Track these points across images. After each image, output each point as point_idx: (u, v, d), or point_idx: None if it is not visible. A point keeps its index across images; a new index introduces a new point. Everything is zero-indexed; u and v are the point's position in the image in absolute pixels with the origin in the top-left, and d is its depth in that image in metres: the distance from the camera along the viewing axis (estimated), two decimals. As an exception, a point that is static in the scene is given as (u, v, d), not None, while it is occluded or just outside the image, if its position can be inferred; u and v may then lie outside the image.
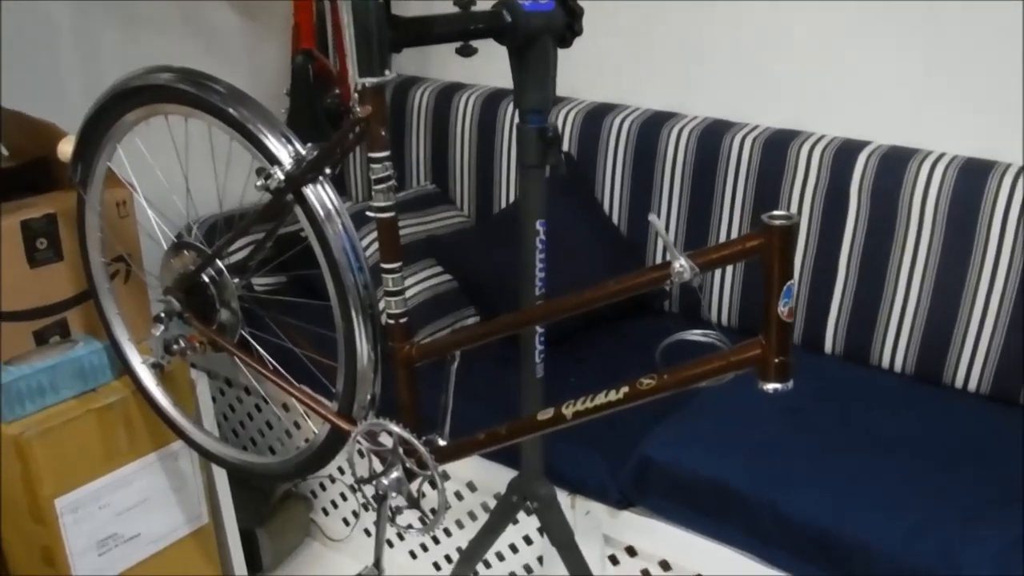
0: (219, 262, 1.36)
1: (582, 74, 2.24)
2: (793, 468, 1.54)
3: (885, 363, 1.89)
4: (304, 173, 1.18)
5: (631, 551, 1.68)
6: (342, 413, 1.30)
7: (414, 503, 1.27)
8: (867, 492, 1.48)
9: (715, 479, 1.54)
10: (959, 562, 1.35)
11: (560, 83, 1.27)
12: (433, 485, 1.22)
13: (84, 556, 1.61)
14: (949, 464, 1.55)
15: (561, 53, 1.25)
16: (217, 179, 1.36)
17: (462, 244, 2.18)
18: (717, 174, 2.01)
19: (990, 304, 1.75)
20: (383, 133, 1.14)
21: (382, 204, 1.16)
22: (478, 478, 1.84)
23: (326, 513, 2.20)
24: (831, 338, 1.94)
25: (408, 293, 2.06)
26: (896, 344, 1.87)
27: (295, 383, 1.35)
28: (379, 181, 1.15)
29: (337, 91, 2.17)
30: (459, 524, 1.94)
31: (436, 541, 2.00)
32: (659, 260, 2.13)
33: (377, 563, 1.30)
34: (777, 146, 1.94)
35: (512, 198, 2.31)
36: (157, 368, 1.51)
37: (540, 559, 1.81)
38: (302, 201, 1.21)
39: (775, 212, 0.88)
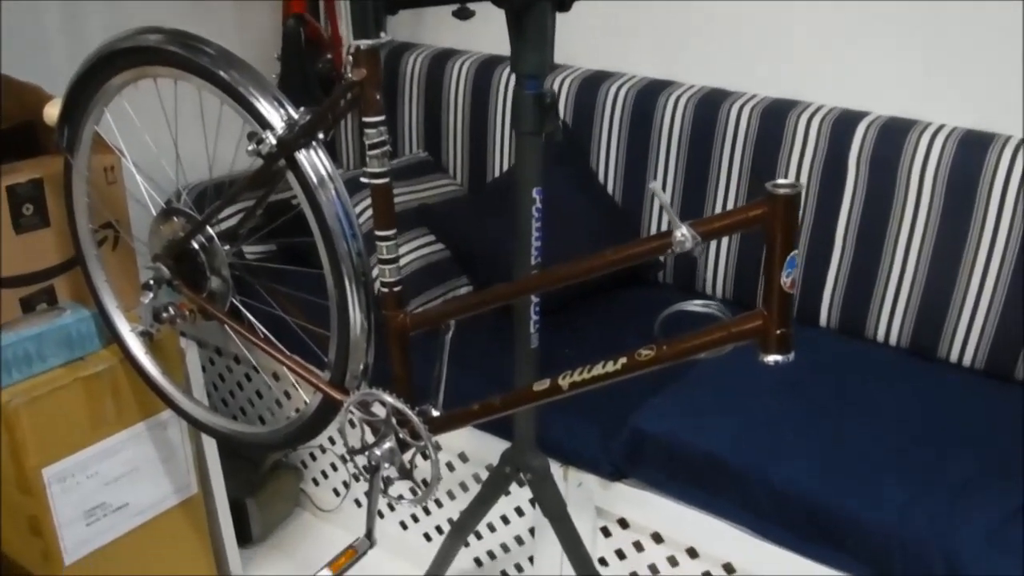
0: (209, 229, 1.33)
1: (578, 41, 2.21)
2: (786, 441, 1.54)
3: (880, 337, 1.88)
4: (297, 138, 1.15)
5: (623, 523, 1.68)
6: (334, 383, 1.28)
7: (406, 474, 1.25)
8: (861, 465, 1.48)
9: (708, 451, 1.53)
10: (952, 535, 1.35)
11: (555, 50, 1.24)
12: (426, 456, 1.21)
13: (72, 526, 1.60)
14: (943, 438, 1.54)
15: (557, 19, 1.22)
16: (207, 144, 1.33)
17: (455, 213, 2.15)
18: (714, 143, 1.99)
19: (987, 278, 1.73)
20: (378, 97, 1.11)
21: (377, 170, 1.14)
22: (470, 449, 1.83)
23: (316, 483, 2.19)
24: (826, 311, 1.93)
25: (400, 262, 2.05)
26: (892, 317, 1.86)
27: (286, 352, 1.33)
28: (373, 146, 1.12)
29: (329, 56, 2.14)
30: (451, 495, 1.93)
31: (427, 512, 1.99)
32: (655, 230, 2.11)
33: (369, 534, 1.29)
34: (775, 116, 1.92)
35: (506, 166, 2.28)
36: (146, 336, 1.48)
37: (532, 531, 1.81)
38: (294, 167, 1.18)
39: (779, 180, 0.86)
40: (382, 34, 1.10)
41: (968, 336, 1.77)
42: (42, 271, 1.59)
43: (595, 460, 1.64)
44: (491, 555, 1.92)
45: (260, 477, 2.07)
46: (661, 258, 2.12)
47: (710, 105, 2.00)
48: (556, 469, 1.66)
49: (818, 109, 1.90)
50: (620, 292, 2.06)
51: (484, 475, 1.81)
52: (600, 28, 2.20)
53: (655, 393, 1.65)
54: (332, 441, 2.09)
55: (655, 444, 1.58)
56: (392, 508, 2.04)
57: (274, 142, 1.16)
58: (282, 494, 2.14)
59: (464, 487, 1.90)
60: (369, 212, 1.21)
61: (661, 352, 0.97)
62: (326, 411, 1.33)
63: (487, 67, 2.27)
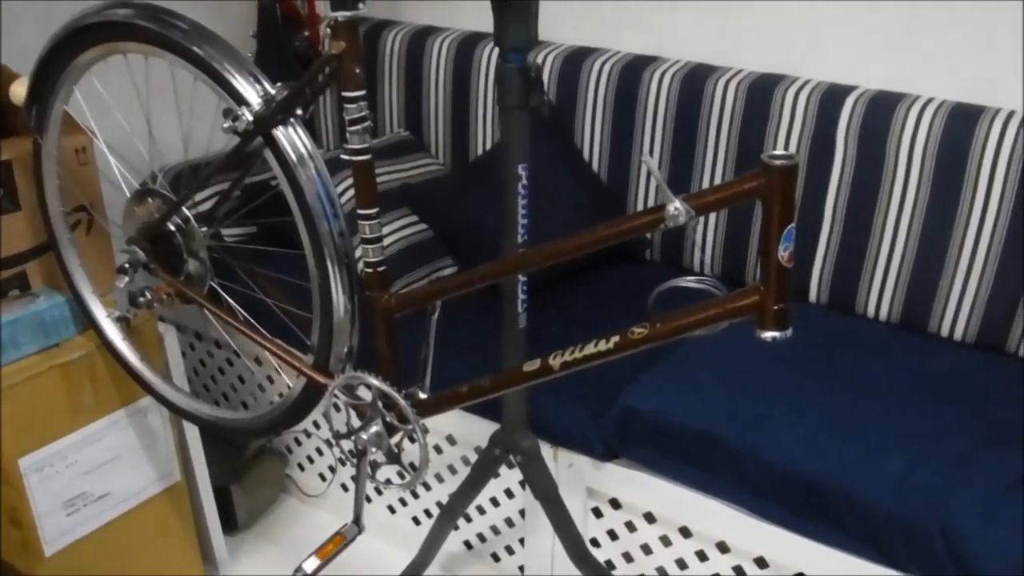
0: (185, 210, 1.29)
1: (561, 16, 2.17)
2: (780, 417, 1.52)
3: (870, 312, 1.86)
4: (274, 114, 1.11)
5: (615, 503, 1.66)
6: (318, 366, 1.25)
7: (394, 458, 1.23)
8: (854, 440, 1.47)
9: (701, 429, 1.51)
10: (950, 509, 1.33)
11: (538, 26, 1.21)
12: (413, 440, 1.18)
13: (51, 516, 1.56)
14: (937, 412, 1.53)
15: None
16: (182, 123, 1.29)
17: (438, 192, 2.12)
18: (700, 119, 1.96)
19: (977, 252, 1.72)
20: (357, 71, 1.08)
21: (358, 146, 1.10)
22: (458, 431, 1.81)
23: (302, 468, 2.16)
24: (816, 287, 1.91)
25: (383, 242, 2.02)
26: (882, 292, 1.84)
27: (268, 336, 1.30)
28: (354, 122, 1.09)
29: (306, 33, 2.09)
30: (439, 478, 1.90)
31: (416, 496, 1.96)
32: (641, 207, 2.09)
33: (357, 520, 1.26)
34: (762, 91, 1.89)
35: (489, 145, 2.25)
36: (123, 322, 1.45)
37: (522, 512, 1.79)
38: (272, 144, 1.14)
39: (775, 152, 0.83)
40: (361, 5, 1.06)
41: (959, 310, 1.76)
42: (13, 256, 1.55)
43: (586, 440, 1.62)
44: (481, 538, 1.90)
45: (244, 463, 2.04)
46: (648, 235, 2.10)
47: (696, 80, 1.97)
48: (546, 450, 1.64)
49: (805, 83, 1.87)
50: (607, 270, 2.03)
51: (473, 458, 1.78)
52: (583, 2, 2.16)
53: (646, 370, 1.63)
54: (317, 426, 2.05)
55: (646, 422, 1.56)
56: (380, 492, 2.01)
57: (250, 118, 1.12)
58: (267, 480, 2.11)
59: (453, 470, 1.88)
60: (352, 192, 1.17)
61: (655, 330, 0.95)
62: (310, 395, 1.30)
63: (468, 44, 2.23)
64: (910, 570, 1.36)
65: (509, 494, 1.80)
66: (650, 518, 1.63)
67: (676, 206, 0.87)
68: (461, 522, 1.90)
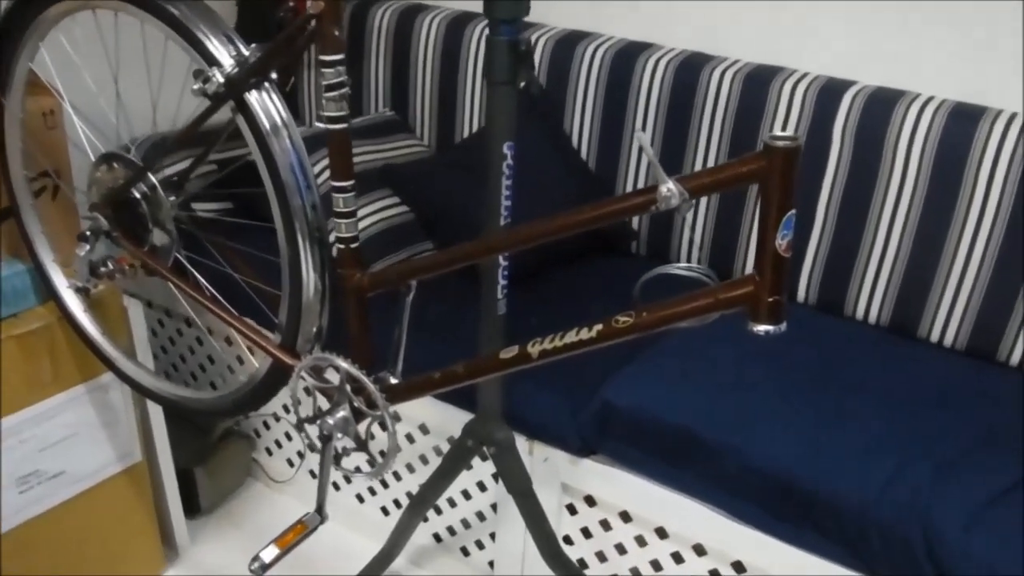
0: (152, 176, 1.22)
1: (554, -2, 2.11)
2: (761, 415, 1.48)
3: (860, 314, 1.82)
4: (246, 76, 1.05)
5: (590, 501, 1.61)
6: (285, 346, 1.19)
7: (362, 445, 1.17)
8: (837, 442, 1.42)
9: (681, 425, 1.46)
10: (934, 516, 1.29)
11: (530, 8, 1.15)
12: (383, 427, 1.12)
13: (4, 493, 1.50)
14: (922, 417, 1.49)
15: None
16: (151, 86, 1.22)
17: (421, 173, 2.06)
18: (694, 110, 1.91)
19: (972, 257, 1.68)
20: (336, 33, 1.02)
21: (334, 113, 1.04)
22: (431, 420, 1.75)
23: (270, 453, 2.10)
24: (804, 286, 1.86)
25: (362, 224, 1.95)
26: (872, 295, 1.79)
27: (234, 312, 1.24)
28: (331, 88, 1.03)
29: (291, 3, 2.02)
30: (410, 468, 1.85)
31: (385, 485, 1.91)
32: (629, 199, 2.03)
33: (320, 509, 1.20)
34: (758, 82, 1.84)
35: (475, 128, 2.19)
36: (83, 292, 1.38)
37: (494, 506, 1.73)
38: (244, 110, 1.08)
39: (777, 133, 0.78)
40: (343, -36, 1.00)
41: (951, 315, 1.72)
42: (-29, 221, 1.48)
43: (562, 434, 1.57)
44: (451, 531, 1.84)
45: (210, 445, 1.97)
46: (635, 227, 2.04)
47: (690, 69, 1.91)
48: (521, 443, 1.58)
49: (803, 76, 1.82)
50: (591, 261, 1.98)
51: (445, 447, 1.73)
52: (578, -15, 2.10)
53: (627, 363, 1.58)
54: (287, 409, 1.99)
55: (625, 417, 1.51)
56: (348, 480, 1.95)
57: (221, 80, 1.05)
58: (233, 463, 2.04)
59: (424, 460, 1.82)
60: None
61: (640, 319, 0.89)
62: (276, 376, 1.24)
63: (458, 23, 2.17)
64: (890, 578, 1.32)
65: (481, 487, 1.75)
66: (626, 517, 1.58)
67: (669, 187, 0.82)
68: (431, 514, 1.84)
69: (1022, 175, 1.61)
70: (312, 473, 2.03)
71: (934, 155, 1.67)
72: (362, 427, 1.16)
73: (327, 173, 1.95)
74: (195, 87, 1.07)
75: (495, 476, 1.70)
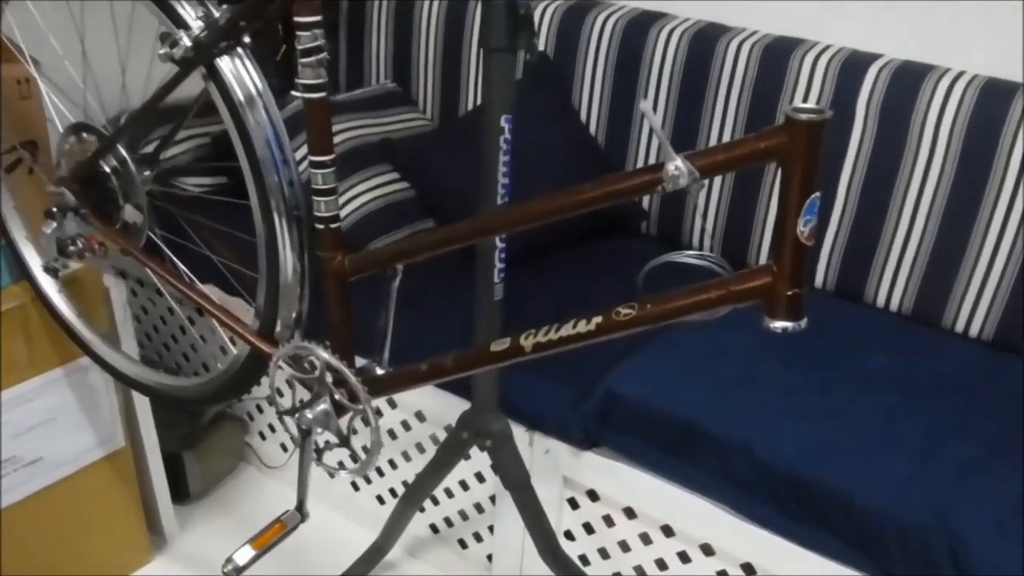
0: (122, 149, 1.14)
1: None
2: (774, 408, 1.39)
3: (880, 302, 1.73)
4: (217, 40, 0.96)
5: (593, 495, 1.52)
6: (263, 333, 1.10)
7: (344, 441, 1.09)
8: (855, 438, 1.34)
9: (687, 418, 1.38)
10: (957, 519, 1.21)
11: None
12: (366, 421, 1.04)
13: (-24, 480, 1.43)
14: (945, 411, 1.40)
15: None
16: (120, 52, 1.13)
17: (421, 148, 1.97)
18: (708, 83, 1.81)
19: (1002, 243, 1.58)
20: (314, -8, 0.92)
21: (311, 81, 0.95)
22: (428, 408, 1.67)
23: (263, 437, 2.02)
24: (823, 271, 1.77)
25: (359, 201, 1.87)
26: (894, 281, 1.70)
27: (211, 297, 1.15)
28: (307, 53, 0.93)
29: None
30: (406, 456, 1.77)
31: (380, 473, 1.83)
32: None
33: (300, 506, 1.12)
34: (777, 55, 1.74)
35: (480, 101, 2.09)
36: (51, 272, 1.30)
37: (492, 498, 1.66)
38: (216, 77, 0.99)
39: (801, 104, 0.68)
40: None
41: (977, 305, 1.62)
42: (-59, 195, 1.40)
43: (564, 425, 1.48)
44: (448, 522, 1.77)
45: (200, 429, 1.90)
46: (644, 207, 1.95)
47: (706, 40, 1.81)
48: (521, 434, 1.50)
49: (825, 49, 1.71)
50: (597, 243, 1.89)
51: (443, 436, 1.65)
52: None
53: (633, 351, 1.49)
54: (281, 393, 1.91)
55: (630, 409, 1.42)
56: (332, 476, 1.88)
57: (188, 43, 0.96)
58: (224, 448, 1.97)
59: (421, 448, 1.74)
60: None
61: (644, 311, 0.80)
62: (255, 365, 1.16)
63: (464, -9, 2.07)
64: (909, 583, 1.24)
65: (480, 478, 1.67)
66: (630, 513, 1.49)
67: (677, 165, 0.73)
68: (428, 504, 1.77)
69: (1059, 156, 1.51)
70: (327, 442, 1.95)
71: (964, 134, 1.57)
72: (343, 421, 1.08)
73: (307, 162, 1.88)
74: (161, 52, 0.98)
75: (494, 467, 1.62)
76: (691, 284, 0.78)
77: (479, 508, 1.71)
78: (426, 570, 1.80)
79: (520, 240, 1.19)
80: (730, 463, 1.36)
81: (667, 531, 1.46)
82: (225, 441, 1.97)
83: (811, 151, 0.68)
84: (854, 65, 1.68)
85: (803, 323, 0.74)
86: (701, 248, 1.89)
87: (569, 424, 1.48)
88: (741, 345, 1.50)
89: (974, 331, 1.64)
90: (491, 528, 1.69)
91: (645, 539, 1.50)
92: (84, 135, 1.18)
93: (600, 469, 1.48)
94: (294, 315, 1.08)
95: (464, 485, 1.70)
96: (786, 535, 1.33)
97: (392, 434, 1.77)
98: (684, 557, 1.46)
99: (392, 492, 1.83)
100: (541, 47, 1.99)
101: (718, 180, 1.83)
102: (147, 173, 1.17)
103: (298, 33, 0.93)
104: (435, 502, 1.76)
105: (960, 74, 1.60)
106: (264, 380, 1.15)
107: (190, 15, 0.98)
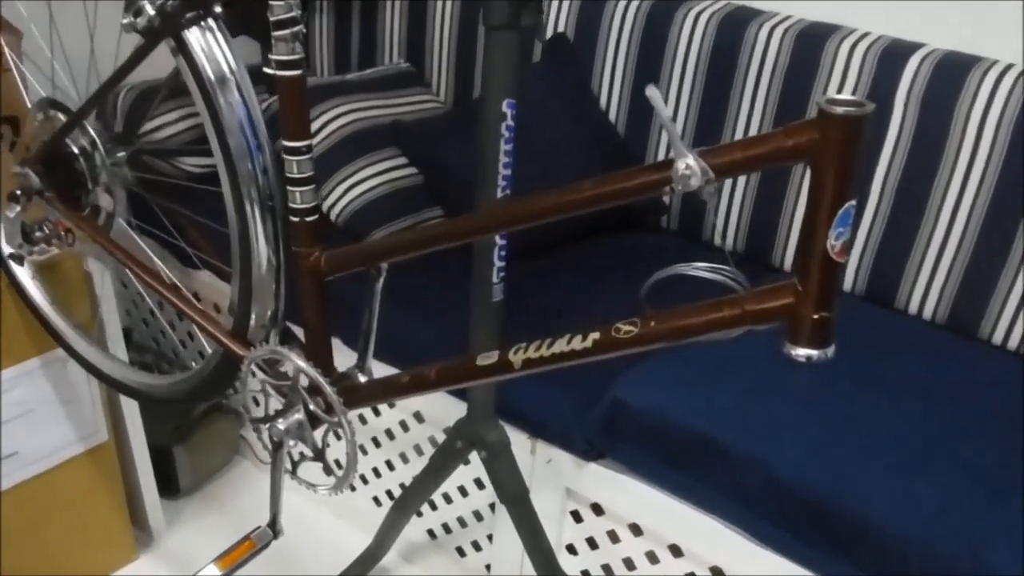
0: (91, 129, 1.05)
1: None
2: (793, 424, 1.29)
3: (913, 308, 1.61)
4: (183, 7, 0.86)
5: (597, 509, 1.43)
6: (236, 333, 1.01)
7: (318, 455, 0.99)
8: (880, 458, 1.24)
9: (699, 431, 1.28)
10: (991, 550, 1.11)
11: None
12: (338, 436, 0.95)
13: (-54, 475, 1.36)
14: (980, 431, 1.29)
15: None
16: (88, 23, 1.04)
17: (433, 132, 1.87)
18: (737, 70, 1.69)
19: (1049, 249, 1.46)
20: (289, -42, 0.82)
21: (285, 57, 0.85)
22: (427, 409, 1.58)
23: (258, 431, 1.94)
24: (853, 273, 1.65)
25: (364, 187, 1.77)
26: (929, 287, 1.58)
27: (183, 291, 1.06)
28: (280, 25, 0.83)
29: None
30: (403, 458, 1.68)
31: (377, 474, 1.74)
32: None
33: (273, 523, 1.03)
34: (811, 41, 1.62)
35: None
36: (16, 260, 1.21)
37: (492, 506, 1.56)
38: (185, 51, 0.89)
39: (837, 96, 0.58)
40: None
41: (1018, 315, 1.51)
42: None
43: (567, 434, 1.39)
44: (446, 529, 1.68)
45: (191, 422, 1.82)
46: (665, 198, 1.84)
47: (735, 25, 1.70)
48: (523, 441, 1.41)
49: (863, 36, 1.60)
50: (612, 238, 1.78)
51: (442, 439, 1.56)
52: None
53: (642, 357, 1.38)
54: (257, 402, 1.83)
55: (638, 419, 1.32)
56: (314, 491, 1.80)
57: (152, 12, 0.87)
58: (217, 441, 1.89)
59: (419, 450, 1.65)
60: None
61: (647, 329, 0.70)
62: (229, 366, 1.06)
63: (480, -33, 1.96)
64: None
65: (480, 484, 1.58)
66: (636, 530, 1.40)
67: (688, 163, 0.62)
68: (425, 509, 1.68)
69: (1116, 158, 1.38)
70: (302, 454, 1.87)
71: (1011, 131, 1.46)
72: (318, 434, 0.99)
73: (323, 132, 1.78)
74: (124, 21, 0.89)
75: (494, 475, 1.52)
76: (701, 301, 0.68)
77: (478, 516, 1.62)
78: (422, 577, 1.71)
79: (524, 234, 1.09)
80: (745, 483, 1.25)
81: (675, 551, 1.36)
82: (219, 434, 1.89)
83: (848, 151, 0.57)
84: (894, 54, 1.56)
85: (830, 351, 0.64)
86: (723, 244, 1.77)
87: (572, 433, 1.38)
88: (760, 351, 1.38)
89: (1013, 343, 1.53)
90: (490, 537, 1.60)
91: (652, 558, 1.40)
92: (51, 112, 1.08)
93: (605, 482, 1.39)
94: (269, 313, 0.99)
95: (463, 491, 1.61)
96: (802, 562, 1.23)
97: (390, 434, 1.68)
98: (693, 580, 1.37)
99: (389, 494, 1.74)
100: (560, 28, 1.88)
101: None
102: (120, 155, 1.07)
103: (271, 3, 0.83)
104: (433, 507, 1.67)
105: (1009, 67, 1.48)
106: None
107: (157, -19, 0.88)
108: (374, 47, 2.18)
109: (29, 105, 1.14)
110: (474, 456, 1.48)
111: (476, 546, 1.65)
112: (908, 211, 1.57)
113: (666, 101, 1.78)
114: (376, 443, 1.71)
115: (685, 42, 1.74)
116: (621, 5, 1.81)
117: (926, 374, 1.42)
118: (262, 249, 0.94)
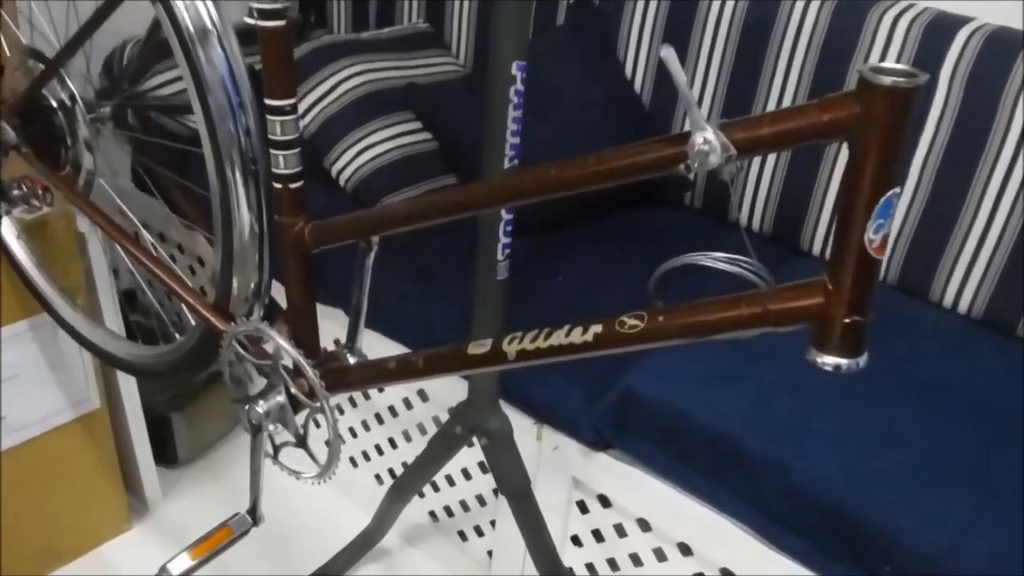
0: (70, 82, 0.97)
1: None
2: (816, 425, 1.20)
3: (948, 301, 1.51)
4: (159, -50, 0.78)
5: (604, 501, 1.36)
6: (218, 306, 0.94)
7: (300, 441, 0.92)
8: (907, 465, 1.15)
9: (715, 428, 1.20)
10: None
11: None
12: (317, 423, 0.88)
13: (-73, 440, 1.31)
14: (1015, 438, 1.20)
15: None
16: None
17: (448, 95, 1.79)
18: (771, 40, 1.59)
19: (1100, 242, 1.36)
20: None
21: (266, 6, 0.77)
22: (430, 387, 1.51)
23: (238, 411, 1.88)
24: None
25: (374, 151, 1.70)
26: (966, 279, 1.49)
27: (165, 259, 0.99)
28: (263, -30, 0.75)
29: None
30: (406, 436, 1.62)
31: (380, 452, 1.68)
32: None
33: (252, 510, 0.97)
34: (852, 11, 1.52)
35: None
36: (-8, 218, 1.15)
37: (496, 491, 1.49)
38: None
39: (882, 64, 0.49)
40: None
41: (1064, 312, 1.41)
42: None
43: (575, 422, 1.31)
44: (448, 511, 1.62)
45: (191, 390, 1.77)
46: (690, 175, 1.75)
47: (771, -9, 1.60)
48: (528, 426, 1.34)
49: (908, 7, 1.49)
50: (631, 213, 1.70)
51: (445, 419, 1.49)
52: None
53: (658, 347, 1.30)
54: (241, 380, 1.77)
55: (651, 411, 1.25)
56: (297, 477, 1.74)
57: (123, -47, 0.79)
58: (218, 411, 1.84)
59: (422, 429, 1.59)
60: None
61: (654, 324, 0.63)
62: (211, 340, 1.00)
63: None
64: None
65: (483, 467, 1.51)
66: (644, 525, 1.32)
67: (707, 137, 0.54)
68: (428, 490, 1.62)
69: None
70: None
71: (1065, 114, 1.35)
72: (300, 419, 0.92)
73: (322, 104, 1.70)
74: (98, -37, 0.81)
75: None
76: (718, 296, 0.60)
77: (481, 500, 1.55)
78: (422, 560, 1.65)
79: (533, 207, 1.02)
80: (762, 486, 1.17)
81: (684, 550, 1.29)
82: (219, 404, 1.83)
83: (893, 129, 0.49)
84: (940, 27, 1.45)
85: (862, 361, 0.56)
86: (750, 225, 1.68)
87: (581, 422, 1.30)
88: (784, 346, 1.30)
89: (1057, 342, 1.43)
90: (493, 523, 1.54)
91: (659, 555, 1.33)
92: (31, 62, 1.01)
93: (614, 474, 1.31)
94: (252, 285, 0.91)
95: (466, 474, 1.55)
96: (819, 570, 1.15)
97: (392, 411, 1.61)
98: (702, 580, 1.29)
99: (391, 472, 1.68)
100: (585, -8, 1.79)
101: (773, 151, 1.63)
102: (103, 110, 1.00)
103: (252, -54, 0.75)
104: (435, 488, 1.61)
105: (1066, 44, 1.37)
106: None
107: (130, -81, 0.81)
108: (393, 5, 2.09)
109: (8, 54, 1.07)
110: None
111: (478, 531, 1.59)
112: (948, 197, 1.47)
113: (694, 72, 1.68)
114: (379, 419, 1.64)
115: (716, 9, 1.64)
116: (651, -32, 1.71)
117: (961, 373, 1.33)
118: (244, 216, 0.86)
